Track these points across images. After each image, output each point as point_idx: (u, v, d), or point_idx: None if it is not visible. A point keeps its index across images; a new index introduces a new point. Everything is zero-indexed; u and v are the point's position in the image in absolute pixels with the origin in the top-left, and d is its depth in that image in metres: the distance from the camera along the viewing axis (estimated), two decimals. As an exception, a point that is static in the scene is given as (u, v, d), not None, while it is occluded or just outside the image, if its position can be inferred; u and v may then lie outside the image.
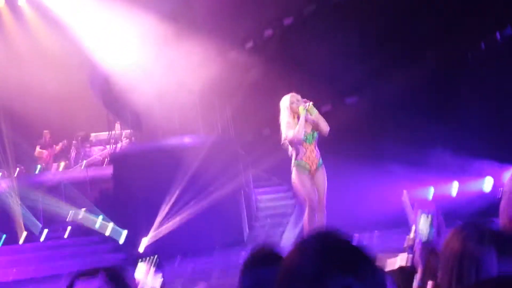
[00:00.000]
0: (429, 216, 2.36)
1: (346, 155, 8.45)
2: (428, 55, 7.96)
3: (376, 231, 7.49)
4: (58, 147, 12.49)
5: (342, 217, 7.13)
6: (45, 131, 12.49)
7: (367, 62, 8.79)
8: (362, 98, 9.28)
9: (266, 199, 10.35)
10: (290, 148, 5.35)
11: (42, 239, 9.70)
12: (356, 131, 8.79)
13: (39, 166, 11.86)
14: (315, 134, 5.32)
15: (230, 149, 9.86)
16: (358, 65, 8.87)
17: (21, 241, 9.59)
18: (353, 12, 9.04)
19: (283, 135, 5.34)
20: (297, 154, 5.28)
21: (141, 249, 8.89)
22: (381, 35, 8.52)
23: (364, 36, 8.88)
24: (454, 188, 7.98)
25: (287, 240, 8.76)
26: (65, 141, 12.61)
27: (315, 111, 5.28)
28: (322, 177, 5.28)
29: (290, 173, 5.38)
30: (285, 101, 5.40)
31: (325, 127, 5.30)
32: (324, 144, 5.76)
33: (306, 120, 5.26)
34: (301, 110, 5.24)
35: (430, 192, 8.02)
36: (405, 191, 2.90)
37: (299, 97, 5.42)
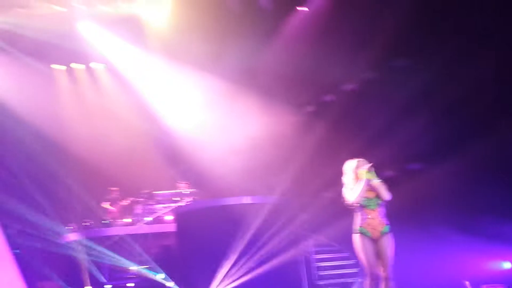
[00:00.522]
0: None
1: (417, 224, 8.32)
2: (497, 125, 7.77)
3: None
4: (125, 203, 12.67)
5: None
6: (113, 188, 12.83)
7: (433, 129, 8.76)
8: (428, 165, 9.12)
9: (328, 267, 10.07)
10: (352, 205, 5.39)
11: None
12: (423, 199, 8.69)
13: (106, 221, 12.03)
14: (379, 201, 5.28)
15: (291, 212, 9.76)
16: (424, 132, 8.82)
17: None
18: (417, 76, 8.93)
19: (344, 195, 5.40)
20: (358, 220, 5.29)
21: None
22: (449, 102, 8.42)
23: (429, 102, 8.88)
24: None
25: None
26: (132, 198, 12.78)
27: (375, 178, 5.27)
28: (385, 244, 5.19)
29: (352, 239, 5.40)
30: (351, 165, 5.46)
31: (385, 194, 5.26)
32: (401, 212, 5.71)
33: (367, 185, 5.27)
34: (362, 173, 5.27)
35: (506, 266, 7.80)
36: (467, 283, 2.74)
37: (366, 163, 5.43)
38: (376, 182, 5.23)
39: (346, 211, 5.46)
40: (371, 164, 5.28)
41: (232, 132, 10.40)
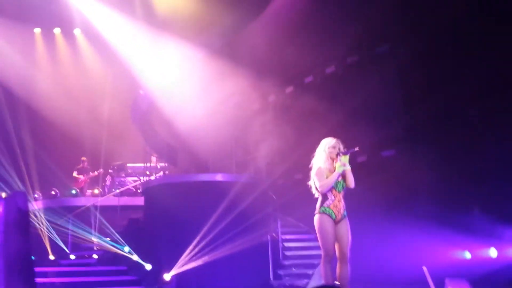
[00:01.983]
0: None
1: (379, 209, 8.30)
2: (471, 112, 7.59)
3: (403, 290, 7.36)
4: (94, 174, 12.65)
5: (370, 272, 7.22)
6: (83, 157, 12.74)
7: (407, 116, 8.66)
8: (400, 152, 9.03)
9: (294, 247, 10.11)
10: (316, 193, 5.28)
11: (68, 263, 9.73)
12: (390, 185, 8.55)
13: (73, 191, 12.01)
14: (344, 185, 5.24)
15: (261, 191, 9.79)
16: (397, 118, 8.77)
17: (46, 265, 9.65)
18: (394, 63, 8.88)
19: (311, 180, 5.29)
20: (323, 201, 5.19)
21: (163, 284, 8.83)
22: (424, 88, 8.23)
23: (405, 88, 8.80)
24: (492, 253, 7.57)
25: (310, 292, 8.67)
26: (102, 169, 12.76)
27: (348, 167, 5.17)
28: (346, 228, 5.13)
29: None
30: (326, 143, 5.33)
31: (351, 182, 5.20)
32: (357, 195, 5.63)
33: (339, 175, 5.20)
34: (338, 167, 5.16)
35: (466, 255, 7.64)
36: (424, 268, 2.69)
37: (341, 146, 5.30)
38: (348, 168, 5.15)
39: (311, 189, 5.39)
40: (352, 150, 5.15)
41: (207, 105, 10.37)
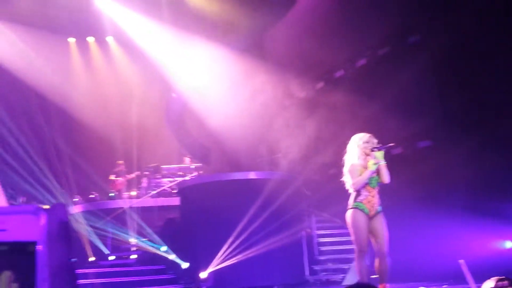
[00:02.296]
0: None
1: (415, 201, 8.15)
2: (508, 100, 7.32)
3: (445, 285, 6.98)
4: (131, 176, 12.77)
5: (408, 266, 7.23)
6: (120, 161, 12.90)
7: (443, 106, 8.53)
8: (436, 143, 8.90)
9: (329, 242, 10.09)
10: (351, 189, 5.24)
11: (108, 264, 9.85)
12: (427, 177, 8.41)
13: (112, 193, 12.07)
14: (379, 180, 5.20)
15: (294, 188, 9.78)
16: (433, 109, 8.63)
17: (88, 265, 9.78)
18: (427, 52, 8.66)
19: (344, 176, 5.27)
20: (357, 196, 5.15)
21: (200, 282, 8.87)
22: (459, 78, 8.08)
23: (439, 78, 8.55)
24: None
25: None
26: (138, 172, 12.85)
27: (382, 162, 5.11)
28: (381, 222, 5.09)
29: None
30: (358, 139, 5.28)
31: (386, 177, 5.13)
32: (393, 189, 5.56)
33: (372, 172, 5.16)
34: (372, 165, 5.11)
35: (506, 245, 7.47)
36: (462, 261, 2.63)
37: (375, 141, 5.24)
38: (382, 163, 5.09)
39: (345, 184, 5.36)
40: (387, 146, 5.11)
41: (238, 104, 10.33)
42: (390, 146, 5.06)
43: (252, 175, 9.82)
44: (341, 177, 5.38)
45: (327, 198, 9.50)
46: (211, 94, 10.63)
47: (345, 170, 5.24)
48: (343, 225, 9.28)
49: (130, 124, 13.12)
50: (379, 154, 5.09)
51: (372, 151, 5.12)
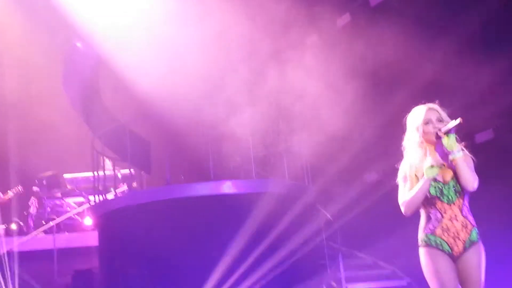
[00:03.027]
0: None
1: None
2: None
3: None
4: (7, 197, 12.70)
5: None
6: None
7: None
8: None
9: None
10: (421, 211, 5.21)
11: None
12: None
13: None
14: (460, 188, 5.14)
15: (304, 206, 10.07)
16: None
17: None
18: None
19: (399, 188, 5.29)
20: (426, 222, 5.18)
21: None
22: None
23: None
24: None
25: None
26: (20, 187, 12.83)
27: (458, 148, 5.06)
28: (475, 263, 5.04)
29: (415, 256, 5.23)
30: (415, 117, 5.28)
31: (469, 180, 5.08)
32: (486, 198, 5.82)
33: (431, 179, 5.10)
34: (428, 169, 5.10)
35: None
36: None
37: (442, 113, 5.22)
38: (459, 155, 5.03)
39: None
40: (459, 119, 4.96)
41: (196, 63, 10.46)
42: (456, 123, 4.99)
43: (227, 188, 10.09)
44: (388, 185, 5.54)
45: (364, 226, 9.90)
46: (144, 42, 10.75)
47: (399, 177, 5.28)
48: (396, 273, 10.55)
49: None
50: (450, 141, 5.05)
51: (438, 138, 5.09)
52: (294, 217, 9.98)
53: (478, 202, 5.29)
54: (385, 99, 9.77)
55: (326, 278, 10.29)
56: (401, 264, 10.08)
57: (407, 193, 5.10)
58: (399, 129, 5.34)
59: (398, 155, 5.34)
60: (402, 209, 5.11)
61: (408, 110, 5.33)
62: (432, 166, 5.00)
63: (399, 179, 5.21)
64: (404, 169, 5.19)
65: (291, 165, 10.95)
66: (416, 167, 5.15)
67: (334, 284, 10.20)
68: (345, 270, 10.41)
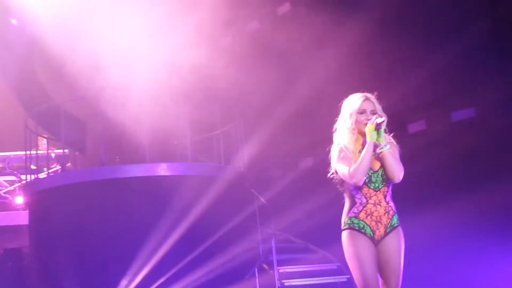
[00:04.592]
0: None
1: (449, 205, 8.50)
2: None
3: None
4: None
5: None
6: None
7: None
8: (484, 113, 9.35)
9: (299, 282, 10.23)
10: (343, 192, 5.36)
11: None
12: (465, 166, 8.88)
13: None
14: (385, 177, 5.28)
15: (238, 193, 10.21)
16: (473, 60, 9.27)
17: None
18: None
19: (332, 168, 5.37)
20: (350, 206, 5.27)
21: None
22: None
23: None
24: None
25: None
26: None
27: (384, 139, 5.20)
28: (395, 246, 5.22)
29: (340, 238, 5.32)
30: (351, 105, 5.37)
31: (395, 170, 5.23)
32: (412, 186, 5.90)
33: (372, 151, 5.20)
34: (369, 130, 5.18)
35: None
36: None
37: (377, 106, 5.32)
38: (385, 149, 5.19)
39: (334, 192, 5.46)
40: (382, 116, 5.15)
41: (137, 43, 10.48)
42: (379, 121, 5.14)
43: (162, 170, 10.12)
44: (320, 171, 5.57)
45: (297, 209, 10.00)
46: (81, 20, 10.60)
47: (332, 156, 5.35)
48: (323, 254, 10.53)
49: None
50: (377, 135, 5.21)
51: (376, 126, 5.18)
52: (227, 201, 10.09)
53: (404, 187, 5.48)
54: (323, 88, 10.18)
55: (258, 261, 10.28)
56: (333, 249, 10.04)
57: (354, 165, 5.14)
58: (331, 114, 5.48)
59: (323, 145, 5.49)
60: (352, 177, 5.12)
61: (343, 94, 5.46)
62: (373, 132, 5.12)
63: (334, 154, 5.29)
64: (338, 149, 5.28)
65: (227, 149, 11.03)
66: (347, 148, 5.25)
67: (266, 267, 10.26)
68: (277, 253, 10.43)
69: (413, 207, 7.47)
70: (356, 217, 5.18)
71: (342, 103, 5.36)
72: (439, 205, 8.73)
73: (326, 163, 5.39)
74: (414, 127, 9.93)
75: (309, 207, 10.29)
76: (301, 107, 10.64)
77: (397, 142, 5.26)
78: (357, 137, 5.28)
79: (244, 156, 11.05)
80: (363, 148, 5.19)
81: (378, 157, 5.19)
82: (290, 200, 10.66)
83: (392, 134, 5.28)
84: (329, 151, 5.35)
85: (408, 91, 9.60)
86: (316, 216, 9.99)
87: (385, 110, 5.22)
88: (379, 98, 5.31)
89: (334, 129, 5.37)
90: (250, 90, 10.66)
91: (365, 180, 5.15)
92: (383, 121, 5.06)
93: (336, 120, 5.36)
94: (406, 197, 6.22)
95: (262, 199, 10.75)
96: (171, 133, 10.90)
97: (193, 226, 9.65)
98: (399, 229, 5.20)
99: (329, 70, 10.45)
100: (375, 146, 5.16)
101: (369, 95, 5.32)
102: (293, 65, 10.88)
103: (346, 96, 5.38)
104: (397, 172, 5.16)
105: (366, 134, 5.15)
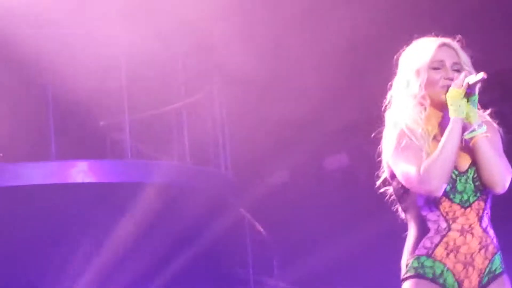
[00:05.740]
0: None
1: None
2: None
3: None
4: None
5: None
6: None
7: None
8: None
9: None
10: (403, 214, 3.67)
11: None
12: None
13: None
14: (482, 186, 3.65)
15: (215, 216, 8.87)
16: None
17: None
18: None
19: (385, 169, 3.63)
20: (418, 237, 3.60)
21: None
22: None
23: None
24: None
25: None
26: None
27: (479, 120, 3.59)
28: None
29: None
30: (418, 55, 3.72)
31: (499, 169, 3.59)
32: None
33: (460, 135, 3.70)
34: (454, 99, 3.64)
35: None
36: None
37: (463, 56, 3.57)
38: (481, 131, 3.55)
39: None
40: (478, 78, 3.43)
41: None
42: (480, 78, 3.43)
43: (78, 174, 8.80)
44: (377, 175, 3.70)
45: (318, 243, 9.05)
46: None
47: (385, 143, 3.64)
48: None
49: None
50: (464, 103, 3.58)
51: (467, 91, 3.59)
52: (196, 231, 8.48)
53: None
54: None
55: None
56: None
57: (422, 156, 3.58)
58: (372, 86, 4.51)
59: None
60: (424, 182, 3.49)
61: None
62: (462, 98, 3.57)
63: (388, 144, 3.60)
64: (398, 133, 3.61)
65: (196, 139, 9.09)
66: (412, 131, 3.65)
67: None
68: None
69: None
70: (429, 255, 3.60)
71: (399, 54, 3.73)
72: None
73: (372, 162, 3.61)
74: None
75: (344, 240, 8.76)
76: (328, 62, 9.00)
77: (498, 124, 3.63)
78: (431, 112, 3.68)
79: (227, 150, 9.39)
80: (442, 131, 3.64)
81: (468, 146, 3.63)
82: (308, 226, 9.14)
83: (489, 111, 3.63)
84: (379, 138, 3.69)
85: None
86: (358, 257, 8.74)
87: (480, 66, 3.56)
88: (467, 46, 3.64)
89: (387, 100, 3.71)
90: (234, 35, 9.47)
91: (445, 188, 3.57)
92: (480, 79, 3.48)
93: (391, 85, 3.67)
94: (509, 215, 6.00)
95: (258, 226, 9.32)
96: (96, 107, 9.06)
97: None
98: (504, 278, 3.62)
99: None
100: (464, 127, 3.57)
101: (447, 39, 3.66)
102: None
103: (401, 42, 3.74)
104: (501, 174, 3.62)
105: (449, 105, 3.61)
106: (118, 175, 8.85)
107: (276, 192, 9.67)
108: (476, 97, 3.52)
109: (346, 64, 9.43)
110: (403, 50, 3.74)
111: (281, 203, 9.61)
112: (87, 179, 8.66)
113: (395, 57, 3.75)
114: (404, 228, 3.61)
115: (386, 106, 3.74)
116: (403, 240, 3.56)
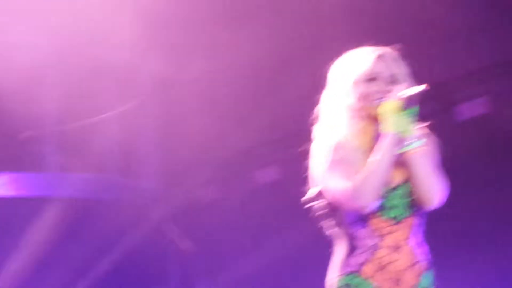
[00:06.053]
0: None
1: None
2: None
3: None
4: None
5: None
6: None
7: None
8: None
9: None
10: (333, 228, 3.99)
11: None
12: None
13: None
14: (413, 200, 3.99)
15: (140, 232, 9.20)
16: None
17: None
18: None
19: (313, 183, 3.98)
20: (348, 253, 3.98)
21: None
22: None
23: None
24: None
25: None
26: None
27: (416, 133, 3.92)
28: None
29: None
30: (353, 67, 4.07)
31: (432, 185, 3.96)
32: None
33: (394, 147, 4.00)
34: (391, 112, 3.98)
35: None
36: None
37: (397, 64, 3.92)
38: (417, 145, 3.90)
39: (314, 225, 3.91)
40: (420, 89, 3.75)
41: None
42: (419, 90, 3.80)
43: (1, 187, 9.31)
44: (304, 190, 4.04)
45: (249, 259, 8.99)
46: None
47: (315, 157, 4.01)
48: None
49: None
50: (401, 117, 3.96)
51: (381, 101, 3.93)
52: (120, 247, 8.91)
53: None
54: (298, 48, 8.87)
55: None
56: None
57: (354, 171, 3.93)
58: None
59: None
60: (357, 198, 3.86)
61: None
62: (399, 111, 3.92)
63: (320, 158, 3.98)
64: (333, 145, 3.96)
65: (122, 149, 9.40)
66: (345, 146, 3.98)
67: None
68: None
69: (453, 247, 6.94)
70: (358, 272, 3.96)
71: (331, 65, 4.09)
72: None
73: (301, 176, 3.95)
74: (467, 110, 8.16)
75: (272, 256, 8.90)
76: (259, 73, 8.82)
77: (436, 135, 4.01)
78: (366, 125, 4.05)
79: (155, 162, 9.80)
80: (374, 145, 4.01)
81: (402, 161, 3.97)
82: (239, 242, 9.16)
83: (427, 123, 4.01)
84: (307, 152, 4.05)
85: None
86: (283, 271, 8.87)
87: (420, 77, 3.95)
88: (406, 57, 3.96)
89: (315, 112, 4.09)
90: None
91: (376, 204, 3.96)
92: (419, 91, 3.85)
93: (321, 96, 4.07)
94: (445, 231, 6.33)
95: (187, 242, 9.33)
96: (19, 118, 9.14)
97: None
98: None
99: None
100: (400, 141, 3.95)
101: (386, 50, 3.98)
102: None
103: (336, 51, 4.08)
104: (435, 191, 3.99)
105: (383, 118, 3.96)
106: (41, 188, 9.05)
107: (203, 206, 9.74)
108: (415, 109, 3.77)
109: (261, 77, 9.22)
110: (334, 62, 3.95)
111: (208, 217, 9.57)
112: (7, 192, 8.92)
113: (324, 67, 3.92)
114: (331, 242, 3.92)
115: (314, 117, 3.96)
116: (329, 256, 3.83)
